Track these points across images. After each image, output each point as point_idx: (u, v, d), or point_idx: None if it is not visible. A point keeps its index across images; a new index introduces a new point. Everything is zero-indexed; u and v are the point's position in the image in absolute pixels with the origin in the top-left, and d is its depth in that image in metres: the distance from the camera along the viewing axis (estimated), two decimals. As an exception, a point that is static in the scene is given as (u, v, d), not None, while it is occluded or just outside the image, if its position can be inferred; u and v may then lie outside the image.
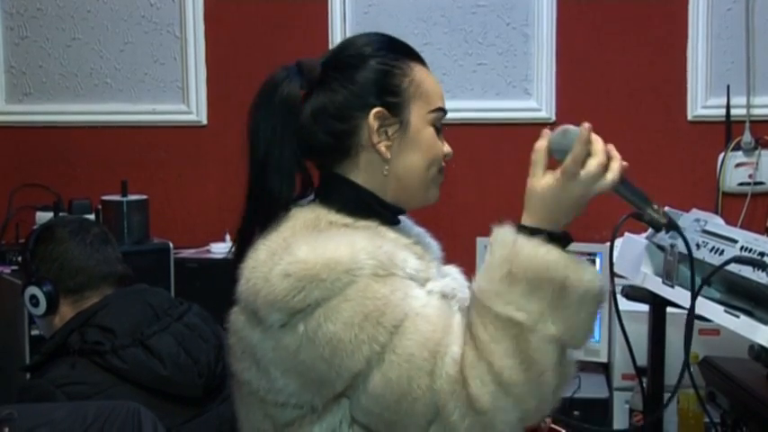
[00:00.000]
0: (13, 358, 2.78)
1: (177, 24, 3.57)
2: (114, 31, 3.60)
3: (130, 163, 3.59)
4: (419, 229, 1.76)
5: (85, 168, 3.63)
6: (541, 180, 1.53)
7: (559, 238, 1.51)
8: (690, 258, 1.69)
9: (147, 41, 3.59)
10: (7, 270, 3.02)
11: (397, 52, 1.66)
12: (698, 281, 1.89)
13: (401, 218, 1.71)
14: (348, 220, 1.59)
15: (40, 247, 2.28)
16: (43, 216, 3.19)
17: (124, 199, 3.16)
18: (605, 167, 1.53)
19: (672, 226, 1.58)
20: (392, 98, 1.61)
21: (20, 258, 2.37)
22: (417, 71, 1.64)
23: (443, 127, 1.68)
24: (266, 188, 1.59)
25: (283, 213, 1.58)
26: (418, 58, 1.68)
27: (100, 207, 3.13)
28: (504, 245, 1.48)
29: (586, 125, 1.50)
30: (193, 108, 3.58)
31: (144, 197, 3.23)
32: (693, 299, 1.72)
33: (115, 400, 2.01)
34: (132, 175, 3.34)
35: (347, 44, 1.68)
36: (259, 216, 1.60)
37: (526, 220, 1.53)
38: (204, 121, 3.58)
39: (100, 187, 3.27)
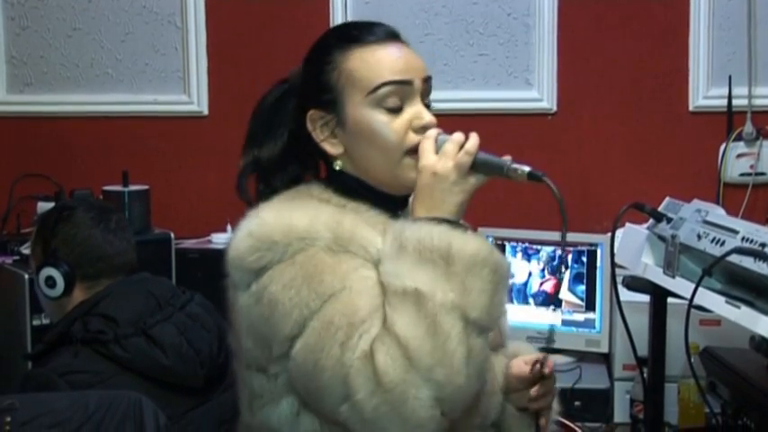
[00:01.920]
0: (15, 348, 2.78)
1: (178, 14, 3.56)
2: (115, 21, 3.60)
3: (131, 153, 3.59)
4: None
5: (86, 158, 3.63)
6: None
7: (444, 223, 1.51)
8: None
9: (147, 32, 3.59)
10: (9, 260, 3.02)
11: (335, 44, 1.63)
12: (699, 271, 1.90)
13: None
14: (338, 199, 1.61)
15: (62, 228, 2.26)
16: (44, 206, 3.18)
17: (125, 189, 3.15)
18: (460, 147, 1.56)
19: (534, 176, 1.56)
20: (325, 95, 1.61)
21: (33, 237, 2.34)
22: (353, 58, 1.60)
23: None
24: (258, 187, 1.68)
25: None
26: (367, 40, 1.62)
27: (101, 197, 3.12)
28: (391, 231, 1.52)
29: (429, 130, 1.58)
30: (194, 98, 3.57)
31: (145, 187, 3.23)
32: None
33: (117, 390, 2.01)
34: (133, 165, 3.33)
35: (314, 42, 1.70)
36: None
37: (413, 215, 1.55)
38: (205, 112, 3.58)
39: (101, 177, 3.26)
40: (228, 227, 3.23)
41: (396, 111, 1.59)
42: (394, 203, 1.66)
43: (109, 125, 3.63)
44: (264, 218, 1.52)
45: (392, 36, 1.65)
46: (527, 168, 1.56)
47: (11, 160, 3.62)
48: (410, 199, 1.64)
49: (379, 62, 1.60)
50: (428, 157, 1.55)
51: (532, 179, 1.56)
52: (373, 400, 1.39)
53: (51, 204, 3.06)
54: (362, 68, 1.59)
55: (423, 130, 1.59)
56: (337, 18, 3.38)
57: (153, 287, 2.23)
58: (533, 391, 1.72)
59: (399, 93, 1.59)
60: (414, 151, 1.58)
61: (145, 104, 3.61)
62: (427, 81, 1.65)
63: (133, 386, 2.06)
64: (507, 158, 1.56)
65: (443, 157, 1.54)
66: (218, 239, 3.26)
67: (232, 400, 1.81)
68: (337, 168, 1.63)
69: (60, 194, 3.17)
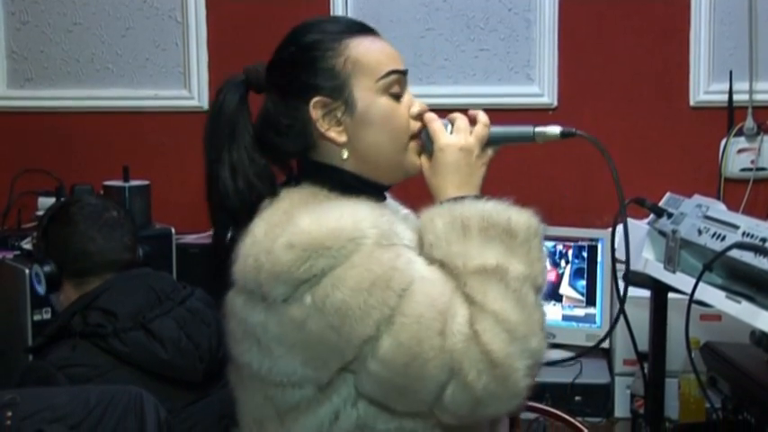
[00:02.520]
0: (16, 343, 2.78)
1: (179, 9, 3.56)
2: (116, 16, 3.59)
3: (132, 148, 3.58)
4: (406, 211, 1.77)
5: (87, 154, 3.63)
6: (427, 163, 1.63)
7: (491, 199, 1.56)
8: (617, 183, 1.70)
9: (148, 27, 3.59)
10: (9, 255, 3.02)
11: (332, 32, 1.63)
12: (700, 266, 1.90)
13: (388, 199, 1.72)
14: (342, 197, 1.60)
15: (52, 225, 2.30)
16: (45, 202, 3.19)
17: (126, 184, 3.15)
18: (473, 122, 1.62)
19: (568, 133, 1.64)
20: (329, 82, 1.60)
21: (34, 234, 2.39)
22: (354, 46, 1.61)
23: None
24: (222, 190, 1.66)
25: (257, 204, 1.61)
26: (360, 31, 1.64)
27: (102, 192, 3.12)
28: (443, 214, 1.54)
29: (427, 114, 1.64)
30: (195, 93, 3.57)
31: (146, 182, 3.23)
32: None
33: (117, 384, 2.01)
34: (134, 160, 3.33)
35: (286, 37, 1.68)
36: (223, 215, 1.67)
37: (443, 196, 1.59)
38: (206, 107, 3.57)
39: (102, 172, 3.26)
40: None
41: (397, 98, 1.63)
42: (379, 195, 1.68)
43: (109, 120, 3.63)
44: (302, 226, 1.46)
45: (371, 29, 1.67)
46: (558, 128, 1.63)
47: (11, 155, 3.62)
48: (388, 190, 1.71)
49: (382, 51, 1.63)
50: (445, 135, 1.61)
51: (566, 136, 1.64)
52: (483, 378, 1.43)
53: (52, 200, 3.07)
54: (369, 55, 1.61)
55: (418, 116, 1.64)
56: (338, 13, 3.38)
57: (153, 282, 2.24)
58: None
59: (400, 82, 1.63)
60: (415, 136, 1.64)
61: (145, 99, 3.60)
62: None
63: (132, 380, 2.06)
64: (528, 126, 1.64)
65: (461, 132, 1.60)
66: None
67: (228, 399, 1.82)
68: (345, 157, 1.62)
69: (61, 189, 3.17)
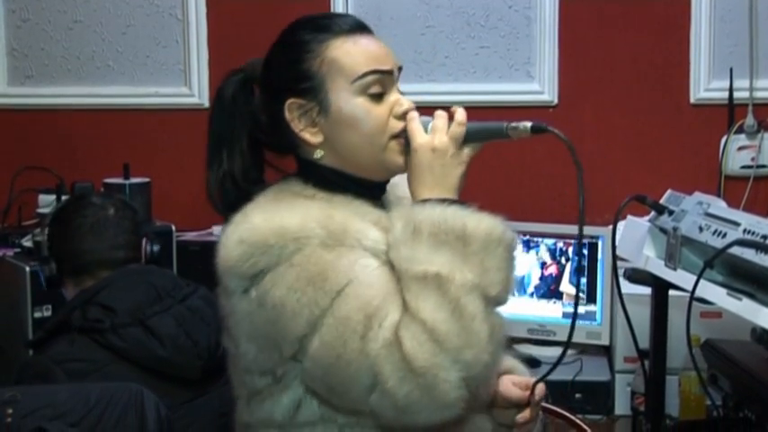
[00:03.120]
0: (17, 340, 2.78)
1: (179, 7, 3.56)
2: (116, 13, 3.59)
3: (132, 146, 3.58)
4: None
5: (88, 151, 3.62)
6: (406, 162, 1.62)
7: (454, 204, 1.54)
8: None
9: (148, 24, 3.58)
10: (10, 252, 3.02)
11: (313, 33, 1.63)
12: (700, 264, 1.90)
13: (399, 193, 1.72)
14: (322, 193, 1.62)
15: (53, 224, 2.36)
16: (45, 199, 3.19)
17: (126, 182, 3.16)
18: (449, 119, 1.60)
19: (538, 129, 1.60)
20: (304, 83, 1.60)
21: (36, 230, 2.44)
22: (335, 47, 1.61)
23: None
24: (220, 181, 1.69)
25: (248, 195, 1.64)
26: (346, 31, 1.63)
27: (102, 190, 3.13)
28: (402, 217, 1.53)
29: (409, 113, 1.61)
30: (195, 91, 3.57)
31: (146, 180, 3.23)
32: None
33: (117, 382, 2.01)
34: (134, 157, 3.34)
35: (279, 35, 1.69)
36: (225, 204, 1.68)
37: (417, 197, 1.58)
38: (206, 104, 3.56)
39: (102, 170, 3.27)
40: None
41: (378, 98, 1.61)
42: (372, 191, 1.68)
43: (110, 117, 3.63)
44: (254, 222, 1.51)
45: (364, 27, 1.66)
46: (529, 123, 1.60)
47: (12, 153, 3.61)
48: (388, 186, 1.71)
49: (362, 51, 1.62)
50: (420, 135, 1.59)
51: (537, 132, 1.60)
52: (404, 387, 1.42)
53: (52, 197, 3.08)
54: (346, 57, 1.60)
55: (404, 116, 1.62)
56: (338, 10, 3.38)
57: (155, 279, 2.24)
58: (521, 416, 1.71)
59: (381, 81, 1.62)
60: (397, 136, 1.62)
61: (146, 97, 3.60)
62: (400, 70, 1.67)
63: (129, 376, 2.06)
64: (503, 121, 1.61)
65: (436, 132, 1.58)
66: (220, 232, 3.26)
67: (228, 396, 1.82)
68: (318, 157, 1.63)
69: (61, 187, 3.17)
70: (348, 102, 1.60)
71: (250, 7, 3.51)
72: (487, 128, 1.63)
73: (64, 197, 3.06)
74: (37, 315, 2.75)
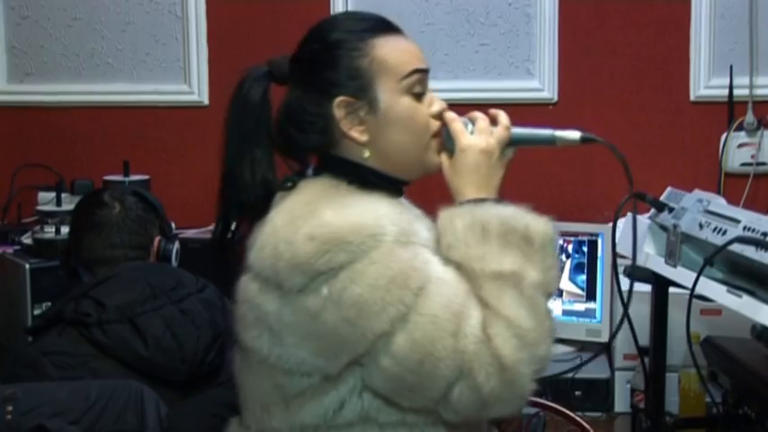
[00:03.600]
0: (16, 337, 2.78)
1: (179, 4, 3.55)
2: (115, 11, 3.59)
3: (132, 143, 3.58)
4: (418, 211, 1.75)
5: (87, 148, 3.62)
6: (447, 162, 1.65)
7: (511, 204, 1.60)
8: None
9: (148, 21, 3.58)
10: (9, 250, 3.02)
11: (358, 32, 1.63)
12: (700, 261, 1.90)
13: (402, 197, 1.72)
14: (362, 191, 1.61)
15: (71, 216, 2.48)
16: (45, 197, 3.19)
17: (126, 179, 3.16)
18: (493, 122, 1.66)
19: (587, 139, 1.67)
20: (354, 82, 1.61)
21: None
22: (380, 46, 1.62)
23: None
24: (239, 184, 1.68)
25: (272, 195, 1.63)
26: (385, 30, 1.65)
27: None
28: (463, 215, 1.56)
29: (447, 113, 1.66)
30: (195, 88, 3.57)
31: (146, 177, 3.23)
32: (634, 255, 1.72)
33: (102, 379, 2.01)
34: (134, 155, 3.34)
35: (310, 33, 1.68)
36: (237, 204, 1.70)
37: (463, 197, 1.61)
38: (206, 102, 3.57)
39: (102, 167, 3.27)
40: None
41: (419, 97, 1.64)
42: (400, 189, 1.69)
43: (109, 115, 3.63)
44: (325, 219, 1.49)
45: (397, 27, 1.68)
46: (578, 133, 1.66)
47: (11, 150, 3.61)
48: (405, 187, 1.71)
49: (405, 50, 1.64)
50: (466, 136, 1.63)
51: (585, 142, 1.66)
52: (491, 381, 1.46)
53: (52, 194, 3.07)
54: (393, 55, 1.62)
55: (438, 115, 1.66)
56: (338, 7, 3.37)
57: (154, 277, 2.22)
58: None
59: (422, 81, 1.65)
60: (436, 135, 1.65)
61: (145, 94, 3.60)
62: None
63: (114, 372, 2.06)
64: (548, 129, 1.67)
65: (482, 134, 1.63)
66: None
67: (227, 396, 1.81)
68: (366, 156, 1.63)
69: (61, 184, 3.16)
70: (397, 101, 1.62)
71: (250, 4, 3.50)
72: (535, 135, 1.68)
73: (64, 194, 3.05)
74: (37, 312, 2.75)
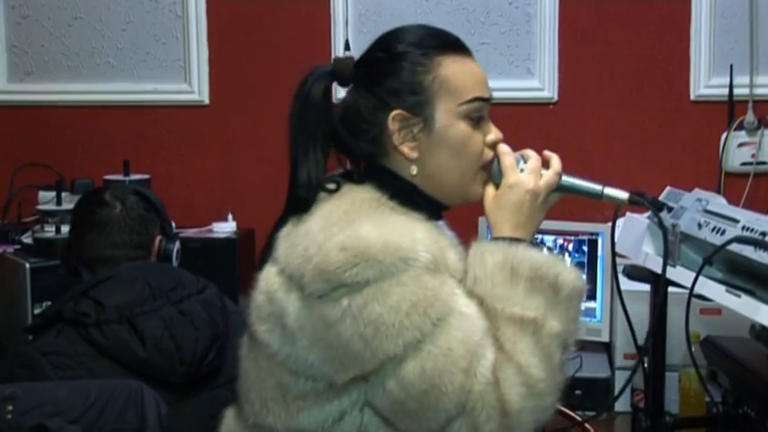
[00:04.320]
0: (17, 337, 2.78)
1: (179, 3, 3.56)
2: (116, 10, 3.59)
3: (132, 142, 3.59)
4: (451, 233, 1.71)
5: (88, 148, 3.63)
6: (491, 194, 1.63)
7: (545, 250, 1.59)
8: (663, 230, 1.69)
9: (148, 21, 3.59)
10: (10, 249, 3.02)
11: (426, 47, 1.61)
12: (699, 260, 1.90)
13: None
14: (402, 208, 1.58)
15: (71, 215, 2.47)
16: (45, 196, 3.19)
17: (126, 178, 3.16)
18: (545, 165, 1.63)
19: (636, 201, 1.64)
20: (413, 97, 1.59)
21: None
22: (446, 65, 1.60)
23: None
24: (296, 183, 1.61)
25: (314, 196, 1.59)
26: (455, 49, 1.62)
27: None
28: (495, 252, 1.54)
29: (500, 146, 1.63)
30: (195, 87, 3.57)
31: (146, 177, 3.23)
32: (664, 269, 1.72)
33: (99, 379, 2.01)
34: (134, 154, 3.34)
35: (380, 40, 1.66)
36: (293, 205, 1.61)
37: (499, 233, 1.59)
38: (206, 101, 3.57)
39: (102, 167, 3.27)
40: (230, 215, 3.25)
41: (477, 123, 1.62)
42: (439, 213, 1.67)
43: (110, 114, 3.63)
44: (360, 232, 1.46)
45: (467, 48, 1.65)
46: (626, 194, 1.64)
47: (12, 149, 3.62)
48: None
49: (471, 74, 1.62)
50: (516, 174, 1.61)
51: (634, 204, 1.64)
52: (491, 424, 1.45)
53: (53, 194, 3.07)
54: (458, 78, 1.60)
55: (492, 145, 1.63)
56: (338, 7, 3.36)
57: (154, 277, 2.21)
58: None
59: (483, 108, 1.62)
60: (486, 167, 1.63)
61: (146, 94, 3.61)
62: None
63: (111, 372, 2.05)
64: (598, 183, 1.65)
65: (533, 174, 1.61)
66: (220, 229, 3.26)
67: (226, 397, 1.80)
68: (414, 173, 1.61)
69: (61, 184, 3.16)
70: (453, 124, 1.59)
71: (250, 4, 3.50)
72: (583, 187, 1.66)
73: (64, 194, 3.06)
74: (37, 311, 2.75)
